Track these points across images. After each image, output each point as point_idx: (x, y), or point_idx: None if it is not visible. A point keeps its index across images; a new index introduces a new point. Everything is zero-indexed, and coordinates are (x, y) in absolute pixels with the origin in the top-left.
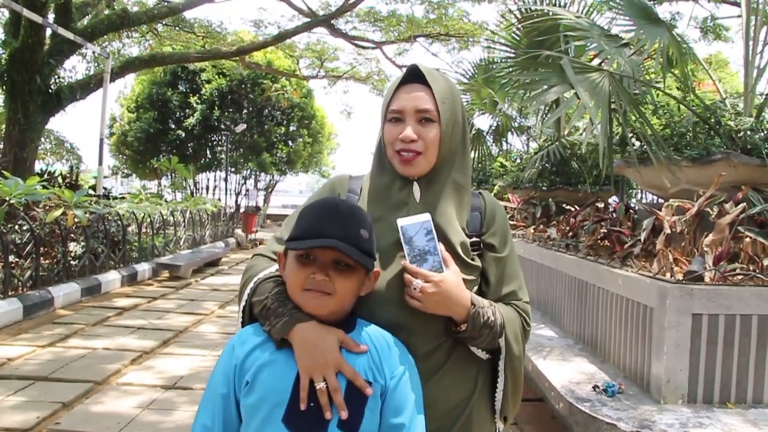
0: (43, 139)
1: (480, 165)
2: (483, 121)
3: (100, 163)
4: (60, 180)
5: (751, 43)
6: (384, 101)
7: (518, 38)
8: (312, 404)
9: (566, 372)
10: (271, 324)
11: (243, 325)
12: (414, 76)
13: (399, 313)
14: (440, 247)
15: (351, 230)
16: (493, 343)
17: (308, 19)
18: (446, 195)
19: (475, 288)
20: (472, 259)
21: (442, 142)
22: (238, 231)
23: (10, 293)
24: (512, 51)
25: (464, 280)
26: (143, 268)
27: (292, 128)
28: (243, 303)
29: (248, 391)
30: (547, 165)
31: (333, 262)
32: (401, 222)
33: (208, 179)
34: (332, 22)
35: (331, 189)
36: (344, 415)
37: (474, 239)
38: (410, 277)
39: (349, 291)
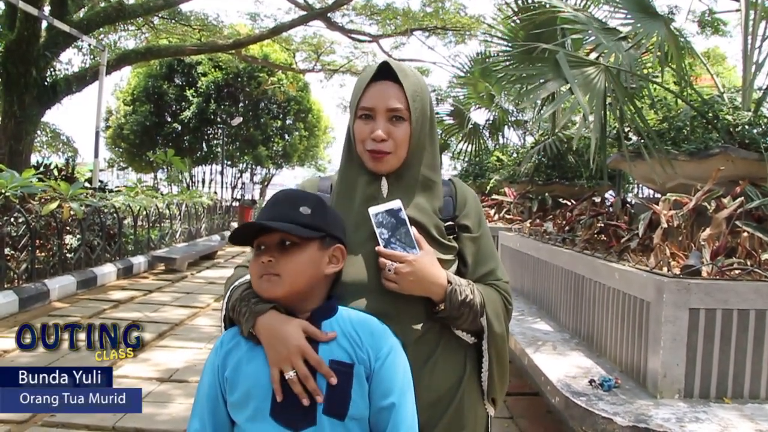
0: (39, 132)
1: (476, 159)
2: (480, 115)
3: (96, 155)
4: (56, 173)
5: (749, 37)
6: (354, 96)
7: (515, 31)
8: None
9: (562, 366)
10: (241, 325)
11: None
12: (385, 71)
13: (381, 301)
14: (412, 230)
15: (287, 210)
16: (475, 323)
17: (304, 12)
18: (415, 189)
19: (453, 267)
20: (449, 241)
21: (412, 139)
22: (234, 224)
23: (5, 286)
24: (509, 44)
25: (441, 260)
26: (139, 261)
27: (288, 122)
28: (222, 313)
29: (230, 389)
30: (543, 159)
31: (278, 244)
32: (372, 210)
33: (204, 172)
34: (329, 15)
35: None
36: (319, 399)
37: (449, 223)
38: (385, 260)
39: (297, 270)
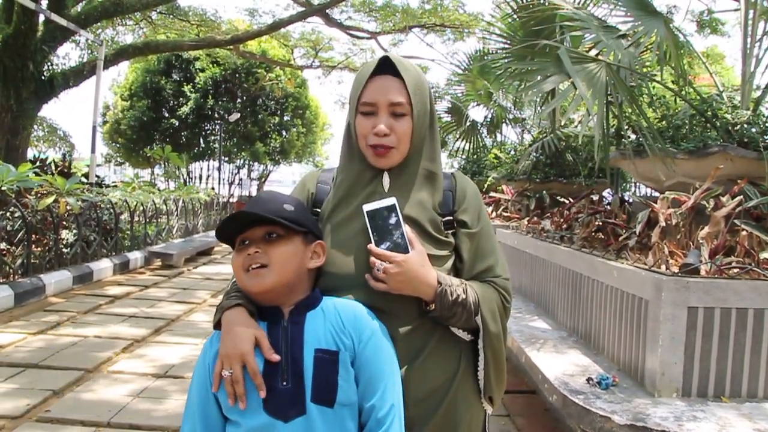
0: (35, 127)
1: (474, 156)
2: (478, 113)
3: (93, 151)
4: (52, 167)
5: (749, 37)
6: (354, 91)
7: (514, 29)
8: (285, 383)
9: (560, 364)
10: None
11: None
12: (385, 66)
13: (371, 297)
14: (406, 228)
15: (271, 206)
16: (470, 321)
17: (303, 8)
18: (416, 183)
19: (449, 263)
20: (445, 236)
21: (414, 133)
22: None
23: (1, 280)
24: (508, 42)
25: (436, 256)
26: (135, 256)
27: (285, 118)
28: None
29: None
30: (541, 157)
31: (264, 237)
32: (366, 207)
33: (202, 168)
34: (327, 11)
35: (302, 185)
36: (242, 405)
37: (447, 218)
38: (374, 260)
39: (286, 259)
